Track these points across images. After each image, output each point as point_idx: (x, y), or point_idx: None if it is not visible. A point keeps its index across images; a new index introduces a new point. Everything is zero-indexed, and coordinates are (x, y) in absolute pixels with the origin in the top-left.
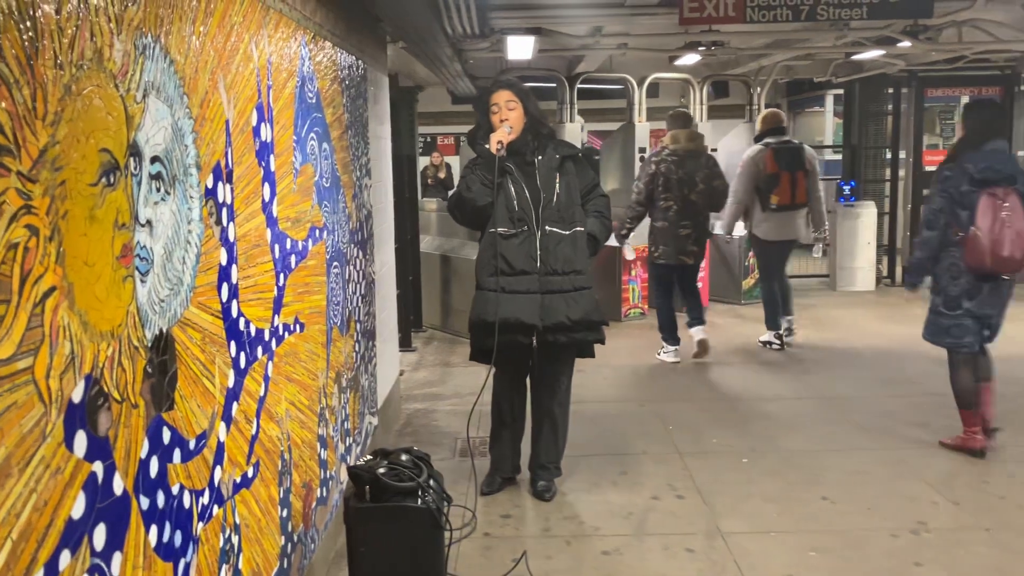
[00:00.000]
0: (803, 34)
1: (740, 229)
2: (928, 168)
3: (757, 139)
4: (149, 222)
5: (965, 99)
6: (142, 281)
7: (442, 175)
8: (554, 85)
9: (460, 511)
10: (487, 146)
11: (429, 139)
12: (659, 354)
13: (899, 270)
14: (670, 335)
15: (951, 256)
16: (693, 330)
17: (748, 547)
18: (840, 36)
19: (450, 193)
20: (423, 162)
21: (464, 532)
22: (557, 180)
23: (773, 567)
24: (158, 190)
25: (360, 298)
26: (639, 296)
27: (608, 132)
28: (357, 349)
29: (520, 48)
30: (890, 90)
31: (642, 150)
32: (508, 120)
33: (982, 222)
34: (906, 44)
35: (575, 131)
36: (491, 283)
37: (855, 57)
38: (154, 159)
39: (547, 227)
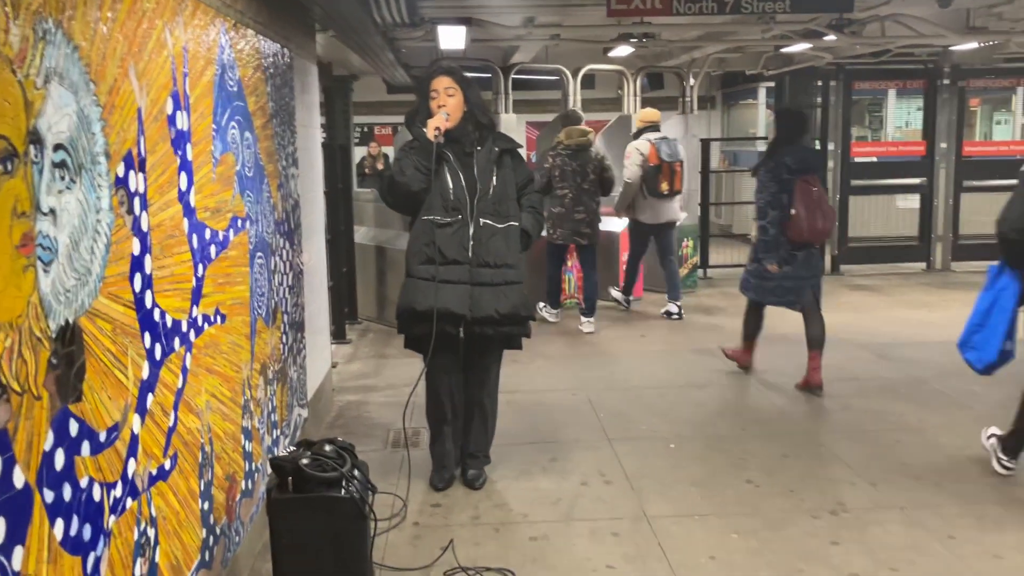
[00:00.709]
0: (731, 27)
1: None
2: (856, 159)
3: (636, 134)
4: (53, 211)
5: (892, 92)
6: (45, 271)
7: (380, 165)
8: (489, 75)
9: (389, 503)
10: (424, 130)
11: (366, 129)
12: (540, 310)
13: (828, 259)
14: (554, 301)
15: (775, 230)
16: (584, 321)
17: (672, 530)
18: (767, 29)
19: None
20: (360, 152)
21: (393, 522)
22: (494, 173)
23: (696, 549)
24: (63, 178)
25: (287, 289)
26: (575, 287)
27: (544, 123)
28: (284, 341)
29: (452, 37)
30: (819, 83)
31: None
32: (446, 107)
33: (800, 204)
34: (832, 38)
35: (511, 122)
36: (422, 271)
37: (784, 50)
38: (58, 147)
39: (482, 219)
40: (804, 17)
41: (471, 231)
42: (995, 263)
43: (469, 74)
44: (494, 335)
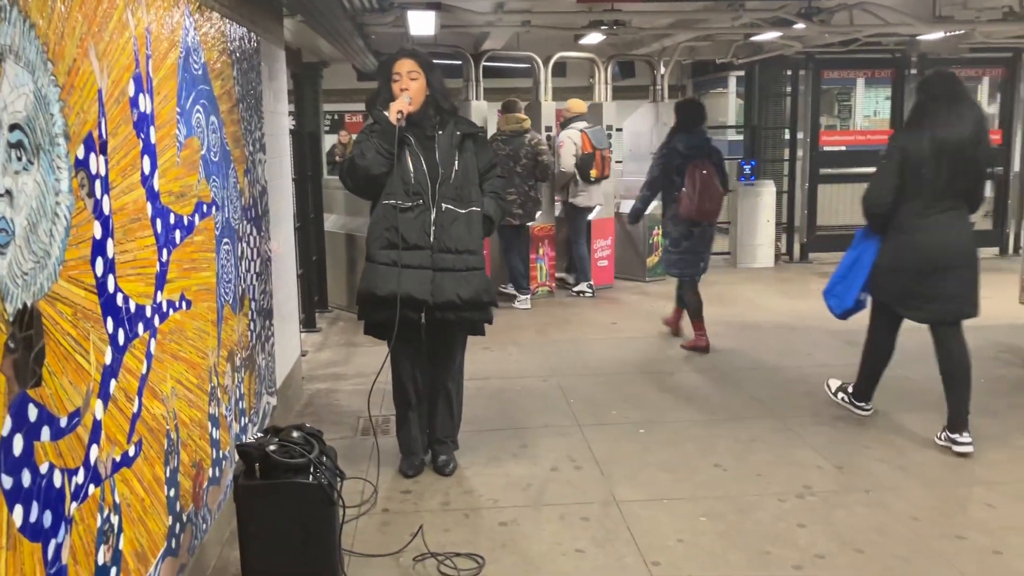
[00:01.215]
0: (702, 14)
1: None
2: (824, 148)
3: (564, 124)
4: (9, 192)
5: (861, 81)
6: (1, 252)
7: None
8: (460, 63)
9: (359, 489)
10: (386, 113)
11: (336, 117)
12: (514, 304)
13: (797, 247)
14: (519, 286)
15: (673, 210)
16: (519, 299)
17: (641, 514)
18: (736, 17)
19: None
20: (331, 140)
21: (363, 509)
22: (456, 157)
23: (664, 532)
24: (19, 159)
25: (255, 276)
26: (547, 274)
27: None
28: (252, 328)
29: (422, 23)
30: (788, 72)
31: (548, 129)
32: (409, 90)
33: (689, 186)
34: (801, 26)
35: (481, 109)
36: (382, 256)
37: (754, 39)
38: (13, 127)
39: (444, 204)
40: (773, 4)
41: (433, 216)
42: (861, 227)
43: (439, 61)
44: (456, 320)
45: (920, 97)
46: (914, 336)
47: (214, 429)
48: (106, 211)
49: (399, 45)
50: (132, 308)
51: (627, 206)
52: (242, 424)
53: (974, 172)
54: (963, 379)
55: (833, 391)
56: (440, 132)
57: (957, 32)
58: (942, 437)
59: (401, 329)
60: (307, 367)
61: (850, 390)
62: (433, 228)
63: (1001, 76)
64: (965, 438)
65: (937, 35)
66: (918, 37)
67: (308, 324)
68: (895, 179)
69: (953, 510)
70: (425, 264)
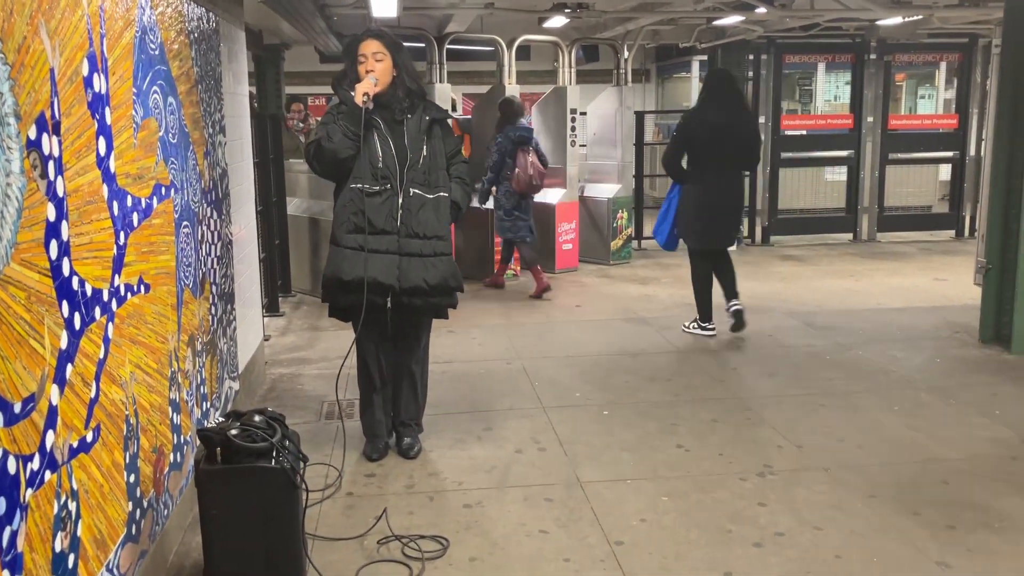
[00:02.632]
0: None
1: (607, 192)
2: (785, 132)
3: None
4: None
5: (822, 66)
6: None
7: None
8: (423, 45)
9: (323, 473)
10: (352, 94)
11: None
12: None
13: (759, 230)
14: None
15: (506, 186)
16: None
17: (604, 494)
18: (699, 0)
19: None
20: None
21: (327, 493)
22: (425, 142)
23: (627, 512)
24: None
25: (216, 260)
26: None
27: (479, 94)
28: (213, 312)
29: (384, 5)
30: (750, 56)
31: None
32: (374, 72)
33: (520, 166)
34: (762, 10)
35: (445, 92)
36: (349, 240)
37: (717, 23)
38: None
39: (411, 189)
40: None
41: (400, 201)
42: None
43: (402, 43)
44: (423, 305)
45: (703, 87)
46: (869, 318)
47: (175, 414)
48: (60, 193)
49: (362, 27)
50: (88, 292)
51: (592, 190)
52: (204, 409)
53: (741, 146)
54: (732, 277)
55: (686, 325)
56: (409, 116)
57: (915, 17)
58: (692, 328)
59: (367, 313)
60: (270, 352)
61: (697, 319)
62: (400, 213)
63: (958, 61)
64: (713, 327)
65: (896, 20)
66: (877, 22)
67: (271, 309)
68: (682, 147)
69: (908, 487)
70: (392, 249)
